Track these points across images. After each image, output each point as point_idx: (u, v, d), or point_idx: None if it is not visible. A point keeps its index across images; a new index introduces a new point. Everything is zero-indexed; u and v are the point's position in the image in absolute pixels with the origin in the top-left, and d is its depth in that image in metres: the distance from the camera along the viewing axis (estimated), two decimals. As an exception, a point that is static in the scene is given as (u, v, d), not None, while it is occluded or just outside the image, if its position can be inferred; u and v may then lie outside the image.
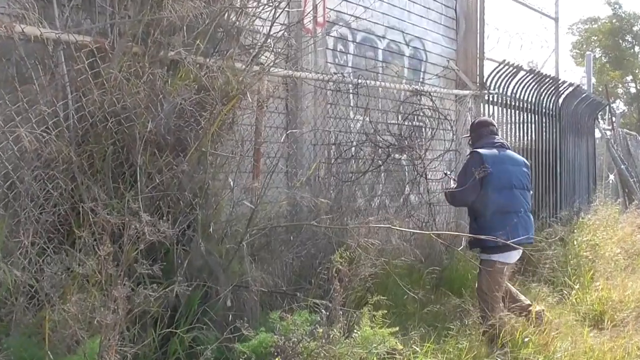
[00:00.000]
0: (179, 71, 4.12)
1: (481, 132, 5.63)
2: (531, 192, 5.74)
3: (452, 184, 6.00)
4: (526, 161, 5.76)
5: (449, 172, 6.59)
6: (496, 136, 5.69)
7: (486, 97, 8.95)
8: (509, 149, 5.66)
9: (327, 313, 4.09)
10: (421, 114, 7.35)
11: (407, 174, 7.33)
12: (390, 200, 7.02)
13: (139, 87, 3.87)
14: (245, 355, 3.79)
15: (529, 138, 10.07)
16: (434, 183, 7.49)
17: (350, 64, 7.13)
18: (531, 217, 5.55)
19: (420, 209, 7.12)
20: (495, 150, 5.46)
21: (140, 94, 3.86)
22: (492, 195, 5.33)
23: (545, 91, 10.44)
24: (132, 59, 3.96)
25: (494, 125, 5.81)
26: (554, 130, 10.89)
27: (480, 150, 5.41)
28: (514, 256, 5.34)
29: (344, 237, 5.04)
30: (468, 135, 5.94)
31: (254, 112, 4.83)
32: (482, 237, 5.06)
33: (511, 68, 9.12)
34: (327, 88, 6.20)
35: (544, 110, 10.58)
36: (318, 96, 6.15)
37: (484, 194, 5.34)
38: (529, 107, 10.11)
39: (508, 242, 4.73)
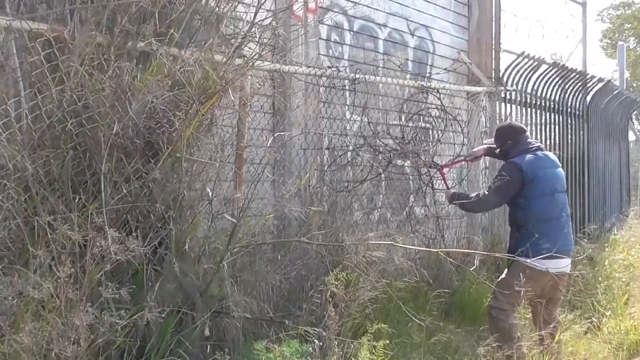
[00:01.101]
0: (150, 65, 4.14)
1: (519, 139, 5.68)
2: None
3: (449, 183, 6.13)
4: (558, 161, 5.87)
5: (437, 163, 6.54)
6: (531, 140, 5.81)
7: (502, 95, 9.03)
8: (544, 150, 5.76)
9: (321, 343, 4.12)
10: (427, 114, 7.41)
11: (411, 183, 7.38)
12: (392, 213, 7.06)
13: (104, 83, 3.89)
14: (226, 393, 3.82)
15: (552, 142, 10.16)
16: (442, 193, 7.55)
17: (346, 57, 7.19)
18: (570, 220, 5.74)
19: (426, 224, 7.16)
20: (532, 156, 5.57)
21: (105, 90, 3.88)
22: (534, 203, 5.49)
23: (571, 88, 10.54)
24: (96, 50, 3.97)
25: (527, 130, 5.92)
26: (581, 132, 10.99)
27: (519, 161, 5.50)
28: (554, 265, 5.37)
29: (340, 256, 5.07)
30: (493, 144, 5.95)
31: (236, 111, 4.86)
32: (497, 254, 5.15)
33: (531, 61, 9.20)
34: (320, 84, 6.24)
35: (569, 110, 10.67)
36: (309, 93, 6.18)
37: (524, 202, 5.49)
38: (552, 106, 10.21)
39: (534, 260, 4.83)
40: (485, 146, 6.20)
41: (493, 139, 5.97)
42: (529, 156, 5.57)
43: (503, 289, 5.39)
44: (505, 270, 5.64)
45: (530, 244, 5.23)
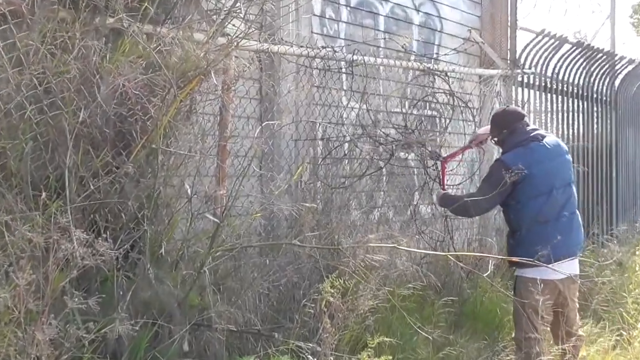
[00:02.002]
0: (121, 44, 4.14)
1: (514, 128, 5.59)
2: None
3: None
4: (564, 145, 5.79)
5: (439, 154, 6.51)
6: (529, 128, 5.68)
7: (519, 78, 9.04)
8: (545, 136, 5.66)
9: (315, 359, 4.12)
10: (434, 100, 7.42)
11: (416, 178, 7.39)
12: (395, 212, 7.07)
13: (68, 64, 3.88)
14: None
15: (575, 131, 10.18)
16: (451, 190, 7.56)
17: (342, 35, 7.18)
18: (578, 217, 5.63)
19: (433, 224, 7.18)
20: (524, 150, 5.49)
21: (70, 72, 3.88)
22: (527, 204, 5.41)
23: (597, 70, 10.56)
24: (59, 27, 3.97)
25: (526, 115, 5.85)
26: (609, 121, 11.01)
27: (507, 159, 5.44)
28: (557, 272, 5.34)
29: (336, 261, 5.08)
30: (489, 134, 5.88)
31: (218, 97, 4.86)
32: (514, 258, 5.16)
33: (552, 40, 9.22)
34: (313, 67, 6.24)
35: (595, 96, 10.69)
36: (301, 77, 6.18)
37: (517, 204, 5.43)
38: (576, 91, 10.23)
39: (545, 265, 4.82)
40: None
41: (489, 128, 5.86)
42: (520, 150, 5.47)
43: (520, 315, 5.38)
44: (512, 293, 5.62)
45: (525, 252, 5.11)
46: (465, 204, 5.51)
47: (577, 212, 5.65)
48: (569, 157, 5.71)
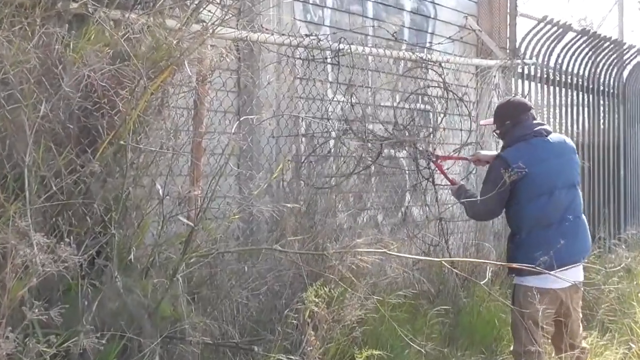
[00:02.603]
0: (86, 31, 4.12)
1: (519, 120, 5.58)
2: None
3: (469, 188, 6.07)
4: (572, 143, 5.80)
5: (432, 153, 6.50)
6: (534, 122, 5.68)
7: (519, 69, 9.07)
8: (550, 132, 5.66)
9: (298, 374, 4.13)
10: (427, 93, 7.44)
11: (407, 177, 7.40)
12: (385, 214, 7.08)
13: (28, 54, 3.86)
14: None
15: (580, 127, 10.22)
16: (446, 191, 7.57)
17: (327, 22, 7.19)
18: (584, 221, 5.62)
19: (426, 227, 7.19)
20: (529, 146, 5.48)
21: (30, 62, 3.86)
22: (528, 205, 5.41)
23: (604, 61, 10.61)
24: (17, 12, 3.95)
25: (532, 108, 5.84)
26: (616, 115, 11.06)
27: (508, 156, 5.43)
28: (559, 280, 5.33)
29: (320, 267, 5.08)
30: (492, 123, 5.88)
31: (193, 90, 4.85)
32: (513, 265, 5.17)
33: (555, 28, 9.26)
34: (296, 56, 6.24)
35: (601, 88, 10.74)
36: (283, 68, 6.19)
37: (516, 205, 5.43)
38: (581, 83, 10.28)
39: (547, 271, 4.84)
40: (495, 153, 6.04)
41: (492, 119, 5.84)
42: (522, 146, 5.47)
43: (519, 327, 5.38)
44: (511, 302, 5.63)
45: (524, 257, 5.14)
46: (470, 205, 5.58)
47: (583, 216, 5.64)
48: (576, 157, 5.68)
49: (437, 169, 6.42)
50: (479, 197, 5.54)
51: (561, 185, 5.49)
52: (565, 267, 5.26)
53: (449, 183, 6.27)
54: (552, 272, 4.96)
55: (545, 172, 5.43)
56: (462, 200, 5.67)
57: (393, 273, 5.57)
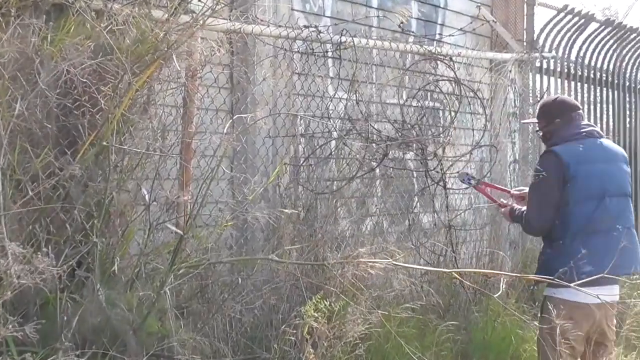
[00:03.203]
0: (66, 22, 4.12)
1: (570, 118, 5.60)
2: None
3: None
4: (624, 152, 5.81)
5: (472, 176, 6.45)
6: (584, 122, 5.70)
7: (537, 64, 9.06)
8: (602, 136, 5.69)
9: (296, 395, 4.12)
10: (437, 89, 7.43)
11: (415, 181, 7.38)
12: (391, 221, 7.07)
13: (1, 47, 3.86)
14: None
15: (604, 125, 10.20)
16: (457, 195, 7.56)
17: (328, 13, 7.18)
18: (634, 234, 5.58)
19: (435, 235, 7.18)
20: (579, 145, 5.49)
21: (4, 56, 3.86)
22: (575, 209, 5.38)
23: (630, 53, 10.58)
24: (-10, 2, 3.96)
25: (581, 108, 5.87)
26: (644, 113, 11.05)
27: (560, 151, 5.43)
28: (599, 294, 5.26)
29: (320, 279, 5.07)
30: (535, 122, 5.87)
31: (182, 86, 4.85)
32: (531, 276, 5.16)
33: (577, 18, 9.25)
34: (294, 50, 6.23)
35: (627, 83, 10.74)
36: (280, 62, 6.18)
37: (564, 207, 5.39)
38: (605, 78, 10.26)
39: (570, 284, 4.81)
40: None
41: (536, 117, 5.86)
42: (573, 145, 5.49)
43: (546, 344, 5.30)
44: (539, 316, 5.59)
45: (563, 265, 5.06)
46: (528, 220, 5.58)
47: (634, 230, 5.59)
48: (627, 166, 5.70)
49: (480, 193, 6.35)
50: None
51: (612, 192, 5.47)
52: (604, 284, 5.15)
53: (461, 187, 6.26)
54: (588, 291, 4.88)
55: (596, 175, 5.43)
56: (519, 217, 5.69)
57: (399, 285, 5.56)
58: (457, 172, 6.72)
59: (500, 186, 6.54)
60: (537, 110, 5.94)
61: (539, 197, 5.47)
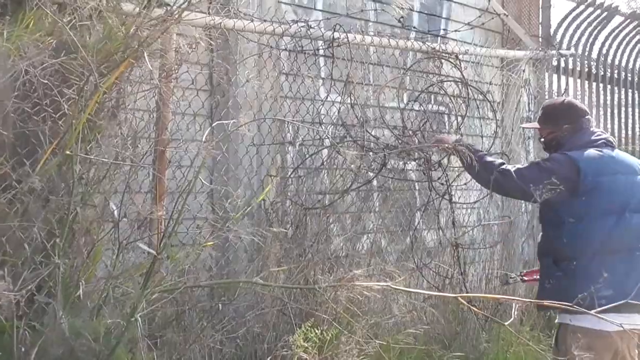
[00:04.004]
0: (24, 16, 4.12)
1: (580, 124, 5.57)
2: None
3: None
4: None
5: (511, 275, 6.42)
6: (596, 130, 5.68)
7: (554, 62, 9.08)
8: (615, 146, 5.66)
9: None
10: (442, 91, 7.44)
11: (417, 194, 7.39)
12: (390, 240, 7.07)
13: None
14: None
15: (630, 131, 10.22)
16: (465, 210, 7.57)
17: (319, 6, 7.20)
18: None
19: (440, 255, 7.18)
20: (596, 152, 5.47)
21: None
22: (593, 224, 5.34)
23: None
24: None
25: (589, 113, 5.84)
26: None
27: (578, 156, 5.39)
28: (623, 322, 5.25)
29: (311, 305, 5.07)
30: (537, 127, 5.85)
31: (155, 88, 4.85)
32: (548, 302, 5.12)
33: (599, 11, 9.26)
34: (281, 47, 6.24)
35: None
36: (265, 61, 6.19)
37: (578, 223, 5.37)
38: (630, 78, 10.27)
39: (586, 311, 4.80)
40: None
41: (537, 121, 5.83)
42: (592, 152, 5.46)
43: None
44: (553, 346, 5.58)
45: (580, 289, 4.95)
46: (494, 168, 5.47)
47: None
48: None
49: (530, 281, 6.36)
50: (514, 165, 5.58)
51: (634, 207, 5.42)
52: (628, 312, 5.13)
53: (470, 202, 6.24)
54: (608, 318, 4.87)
55: (619, 188, 5.38)
56: (485, 159, 5.58)
57: (399, 311, 5.55)
58: (465, 184, 6.71)
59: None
60: (539, 114, 5.86)
61: (538, 172, 5.37)
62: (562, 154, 5.46)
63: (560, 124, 5.58)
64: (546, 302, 5.11)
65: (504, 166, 5.50)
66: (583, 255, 5.31)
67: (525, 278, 6.16)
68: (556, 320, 5.55)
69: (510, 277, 6.26)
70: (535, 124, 5.88)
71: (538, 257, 5.69)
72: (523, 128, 8.49)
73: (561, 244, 5.42)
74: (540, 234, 5.68)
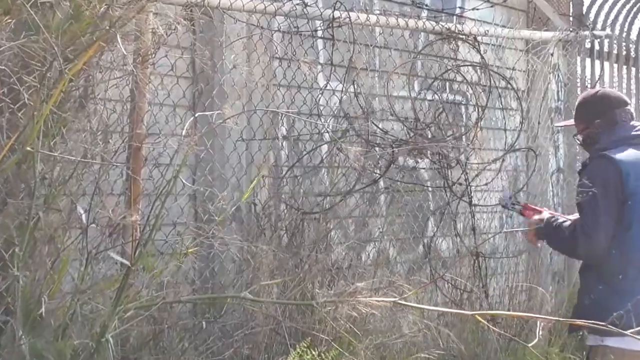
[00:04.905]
0: (-23, -6, 4.14)
1: (614, 117, 5.59)
2: None
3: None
4: None
5: (516, 199, 6.40)
6: (636, 123, 5.68)
7: (587, 45, 9.07)
8: None
9: None
10: (458, 78, 7.44)
11: (431, 196, 7.39)
12: (399, 248, 7.07)
13: None
14: None
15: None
16: (486, 215, 7.57)
17: (318, -19, 7.21)
18: None
19: (457, 266, 7.18)
20: (635, 153, 5.47)
21: None
22: (637, 235, 5.39)
23: None
24: None
25: (630, 103, 5.84)
26: None
27: (615, 155, 5.41)
28: None
29: (308, 322, 5.07)
30: (572, 124, 5.91)
31: (129, 75, 4.86)
32: (582, 322, 5.12)
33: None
34: (273, 28, 6.24)
35: None
36: (255, 45, 6.18)
37: (626, 230, 5.38)
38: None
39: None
40: None
41: (574, 118, 5.86)
42: (631, 152, 5.50)
43: None
44: None
45: (624, 306, 4.92)
46: (575, 240, 5.46)
47: None
48: None
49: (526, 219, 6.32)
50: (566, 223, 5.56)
51: None
52: None
53: (491, 204, 6.22)
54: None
55: None
56: (560, 231, 5.61)
57: (409, 330, 5.56)
58: (486, 184, 6.73)
59: (554, 212, 6.43)
60: (575, 109, 5.90)
61: (594, 208, 5.39)
62: (599, 158, 5.51)
63: (591, 118, 5.62)
64: (578, 322, 5.11)
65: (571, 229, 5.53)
66: (627, 269, 5.36)
67: (524, 213, 6.11)
68: (587, 342, 5.57)
69: (512, 202, 6.22)
70: (571, 121, 5.89)
71: (579, 273, 5.71)
72: (553, 122, 8.50)
73: (609, 255, 5.45)
74: None
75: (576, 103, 5.95)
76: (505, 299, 7.56)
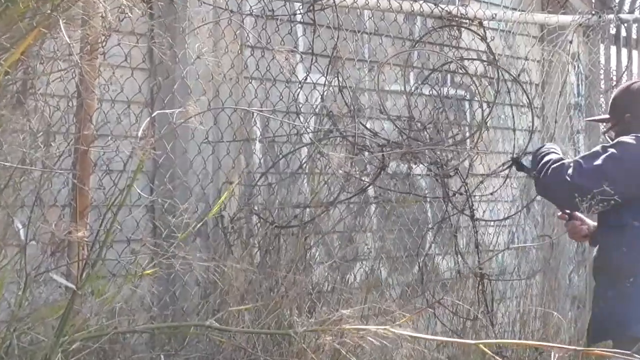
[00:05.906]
0: None
1: None
2: None
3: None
4: None
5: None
6: None
7: (612, 30, 9.09)
8: None
9: None
10: (461, 69, 7.47)
11: (429, 208, 7.41)
12: (392, 268, 7.10)
13: None
14: None
15: None
16: (491, 229, 7.60)
17: (296, -44, 7.23)
18: None
19: (460, 289, 7.21)
20: None
21: None
22: None
23: None
24: None
25: None
26: None
27: None
28: None
29: (285, 354, 5.09)
30: (605, 119, 6.05)
31: (75, 66, 4.86)
32: (603, 350, 5.17)
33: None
34: (245, 11, 6.26)
35: None
36: (223, 31, 6.20)
37: (632, 230, 5.49)
38: None
39: None
40: None
41: (608, 113, 6.02)
42: None
43: None
44: None
45: (636, 316, 5.22)
46: (547, 170, 5.62)
47: None
48: None
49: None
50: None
51: None
52: None
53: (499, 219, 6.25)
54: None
55: None
56: (547, 156, 5.75)
57: (404, 362, 5.59)
58: (492, 193, 6.75)
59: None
60: (609, 103, 6.05)
61: (598, 168, 5.53)
62: (634, 137, 5.62)
63: (622, 113, 5.74)
64: (597, 351, 5.16)
65: (564, 160, 5.61)
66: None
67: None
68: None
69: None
70: (605, 116, 5.99)
71: (593, 276, 5.79)
72: (571, 119, 8.54)
73: (621, 254, 5.56)
74: (597, 246, 5.77)
75: (612, 96, 6.11)
76: (515, 326, 7.59)
